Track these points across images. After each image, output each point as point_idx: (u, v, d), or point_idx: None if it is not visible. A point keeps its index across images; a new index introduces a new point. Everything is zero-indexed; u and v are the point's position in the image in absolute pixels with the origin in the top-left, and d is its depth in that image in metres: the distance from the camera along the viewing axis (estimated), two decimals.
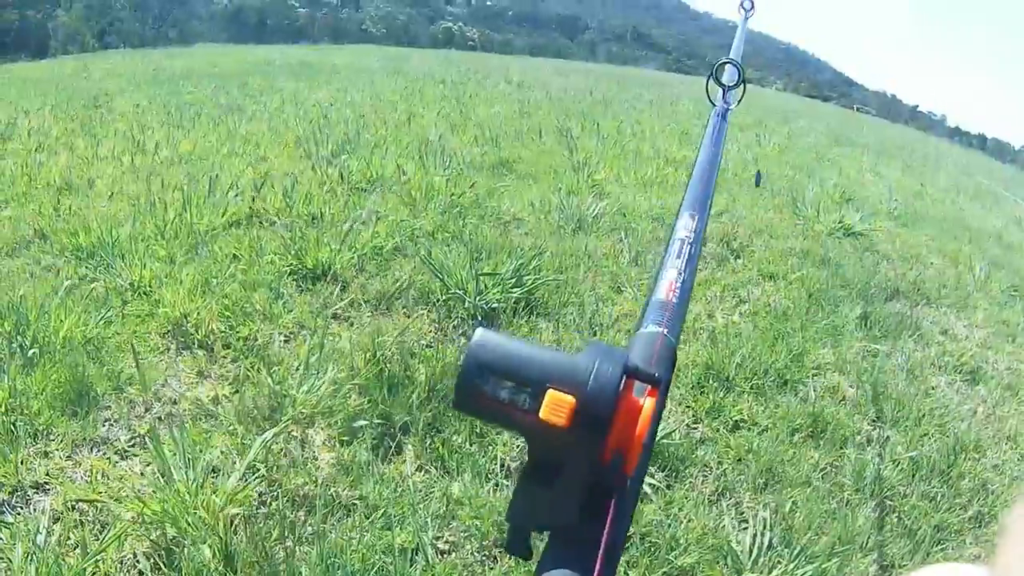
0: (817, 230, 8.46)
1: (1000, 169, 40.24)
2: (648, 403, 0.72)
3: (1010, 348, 6.19)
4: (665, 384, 0.85)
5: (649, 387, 0.73)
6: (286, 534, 3.05)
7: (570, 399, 0.68)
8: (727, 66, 2.42)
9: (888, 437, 4.47)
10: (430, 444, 3.68)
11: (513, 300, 5.09)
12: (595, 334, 4.99)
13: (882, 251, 8.31)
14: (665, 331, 1.00)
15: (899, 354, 5.57)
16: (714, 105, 2.24)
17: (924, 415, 4.74)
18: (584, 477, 0.71)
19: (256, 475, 3.32)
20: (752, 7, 3.73)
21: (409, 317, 4.94)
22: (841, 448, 4.24)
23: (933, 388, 5.19)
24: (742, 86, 2.36)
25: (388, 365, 4.18)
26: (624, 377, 0.71)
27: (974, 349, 5.95)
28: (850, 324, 5.85)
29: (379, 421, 3.77)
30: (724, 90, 2.32)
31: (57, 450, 3.51)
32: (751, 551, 3.34)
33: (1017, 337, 6.47)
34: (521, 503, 0.75)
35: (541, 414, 0.68)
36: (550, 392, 0.68)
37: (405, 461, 3.60)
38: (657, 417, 0.81)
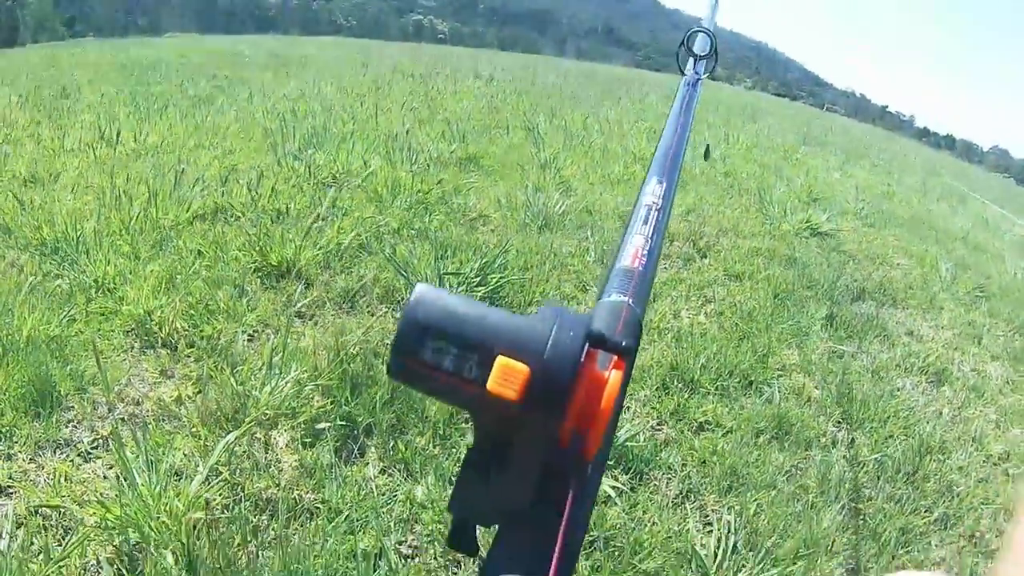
0: (784, 229, 8.49)
1: (968, 170, 40.49)
2: (614, 376, 0.64)
3: (975, 349, 6.24)
4: (631, 356, 0.77)
5: (615, 358, 0.67)
6: (249, 539, 3.02)
7: (523, 368, 0.60)
8: (699, 35, 2.38)
9: (853, 439, 4.49)
10: (393, 446, 3.66)
11: (477, 299, 5.06)
12: None
13: (849, 251, 8.35)
14: (630, 300, 0.93)
15: (865, 355, 5.60)
16: (684, 74, 2.20)
17: (890, 417, 4.76)
18: (538, 460, 0.64)
19: (219, 478, 3.30)
20: None
21: (373, 316, 4.93)
22: (806, 450, 4.25)
23: (899, 389, 5.22)
24: (714, 56, 2.32)
25: (351, 365, 4.16)
26: (587, 345, 0.63)
27: (940, 350, 5.99)
28: (816, 325, 5.87)
29: (342, 423, 3.75)
30: (695, 59, 2.27)
31: (20, 452, 3.47)
32: (716, 555, 3.34)
33: (983, 338, 6.52)
34: (465, 491, 0.67)
35: (488, 385, 0.60)
36: (500, 359, 0.61)
37: (368, 464, 3.58)
38: (623, 393, 0.72)
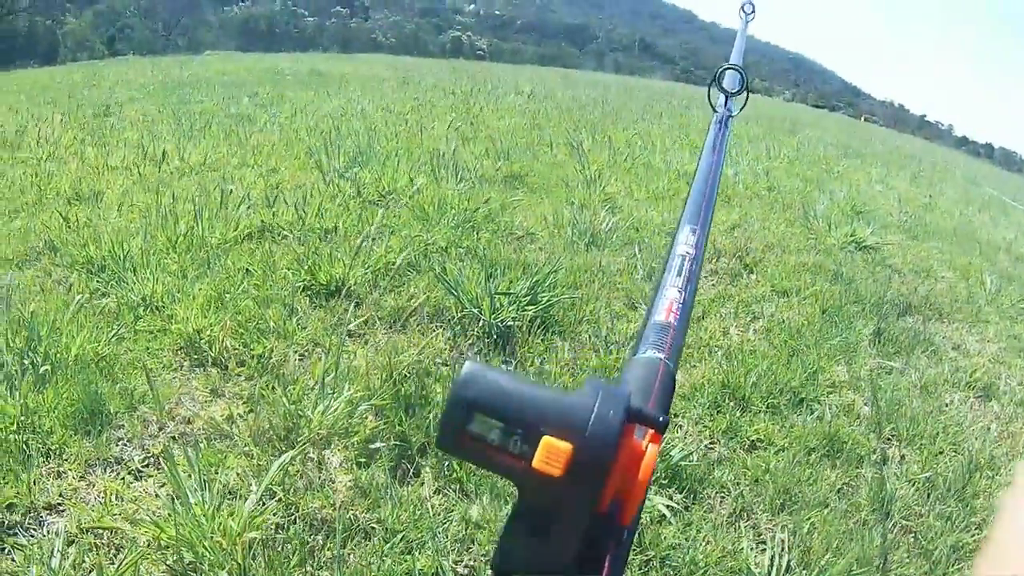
0: (828, 244, 8.46)
1: (1008, 179, 40.22)
2: (651, 450, 0.68)
3: (1022, 363, 6.18)
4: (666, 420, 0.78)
5: (652, 431, 0.70)
6: (305, 559, 3.03)
7: (567, 447, 0.63)
8: (729, 72, 2.36)
9: (903, 456, 4.46)
10: (448, 466, 3.66)
11: (528, 318, 5.08)
12: (611, 352, 4.98)
13: (893, 265, 8.30)
14: (665, 358, 0.95)
15: (913, 371, 5.56)
16: (716, 112, 2.19)
17: (939, 433, 4.72)
18: (578, 526, 0.66)
19: (273, 498, 3.31)
20: (753, 11, 3.67)
21: (424, 335, 4.93)
22: (857, 467, 4.22)
23: (947, 405, 5.18)
24: (745, 93, 2.30)
25: (404, 385, 4.17)
26: (626, 421, 0.66)
27: (987, 364, 5.94)
28: (864, 341, 5.85)
29: (396, 443, 3.76)
30: (726, 96, 2.26)
31: (70, 470, 3.50)
32: (769, 573, 3.34)
33: None
34: (508, 549, 0.70)
35: (534, 463, 0.64)
36: (545, 439, 0.64)
37: (423, 484, 3.58)
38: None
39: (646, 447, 0.68)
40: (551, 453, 0.63)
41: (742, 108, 2.28)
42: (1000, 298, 7.82)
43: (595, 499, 0.65)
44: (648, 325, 1.03)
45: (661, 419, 0.69)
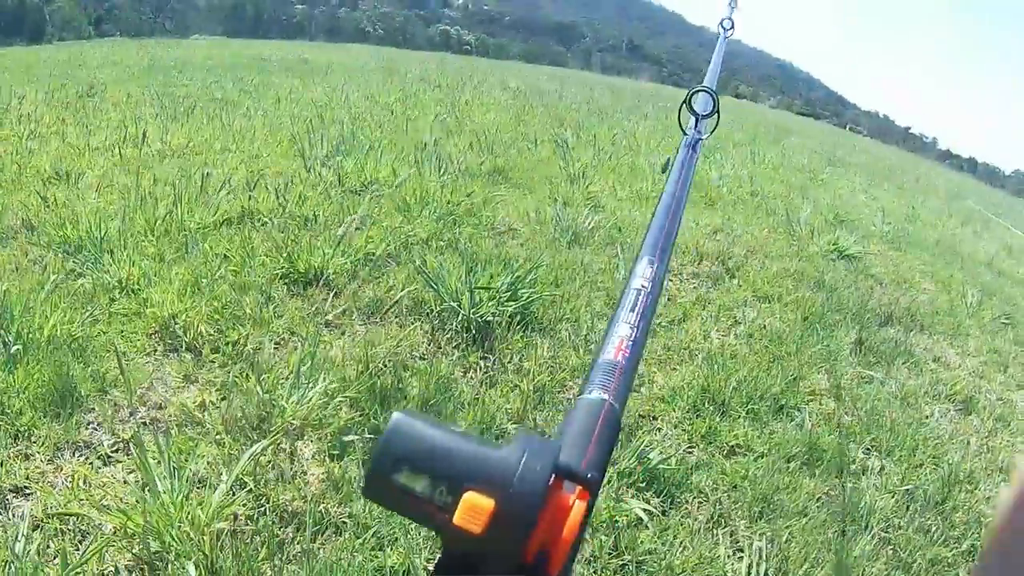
0: (811, 251, 8.45)
1: (991, 194, 40.40)
2: (578, 506, 0.66)
3: (1002, 378, 6.18)
4: (603, 469, 0.79)
5: (580, 488, 0.68)
6: (274, 552, 2.98)
7: (488, 504, 0.62)
8: (701, 93, 2.32)
9: (883, 467, 4.43)
10: None
11: (508, 314, 5.03)
12: (590, 352, 4.93)
13: (876, 275, 8.30)
14: (610, 399, 0.90)
15: (893, 381, 5.53)
16: (685, 134, 2.14)
17: (918, 445, 4.70)
18: None
19: (243, 489, 3.26)
20: (732, 26, 3.64)
21: (402, 328, 4.89)
22: (837, 477, 4.19)
23: (927, 417, 5.17)
24: (715, 116, 2.26)
25: (380, 377, 4.12)
26: (553, 476, 0.65)
27: (967, 378, 5.93)
28: (845, 349, 5.83)
29: (370, 436, 3.71)
30: (697, 119, 2.22)
31: (38, 452, 3.45)
32: None
33: (1009, 367, 6.46)
34: None
35: (455, 519, 0.62)
36: (466, 496, 0.62)
37: None
38: (588, 516, 0.72)
39: (573, 503, 0.67)
40: (472, 510, 0.62)
41: (712, 131, 2.22)
42: (981, 312, 7.82)
43: (517, 555, 0.63)
44: (596, 363, 0.99)
45: (590, 476, 0.68)
